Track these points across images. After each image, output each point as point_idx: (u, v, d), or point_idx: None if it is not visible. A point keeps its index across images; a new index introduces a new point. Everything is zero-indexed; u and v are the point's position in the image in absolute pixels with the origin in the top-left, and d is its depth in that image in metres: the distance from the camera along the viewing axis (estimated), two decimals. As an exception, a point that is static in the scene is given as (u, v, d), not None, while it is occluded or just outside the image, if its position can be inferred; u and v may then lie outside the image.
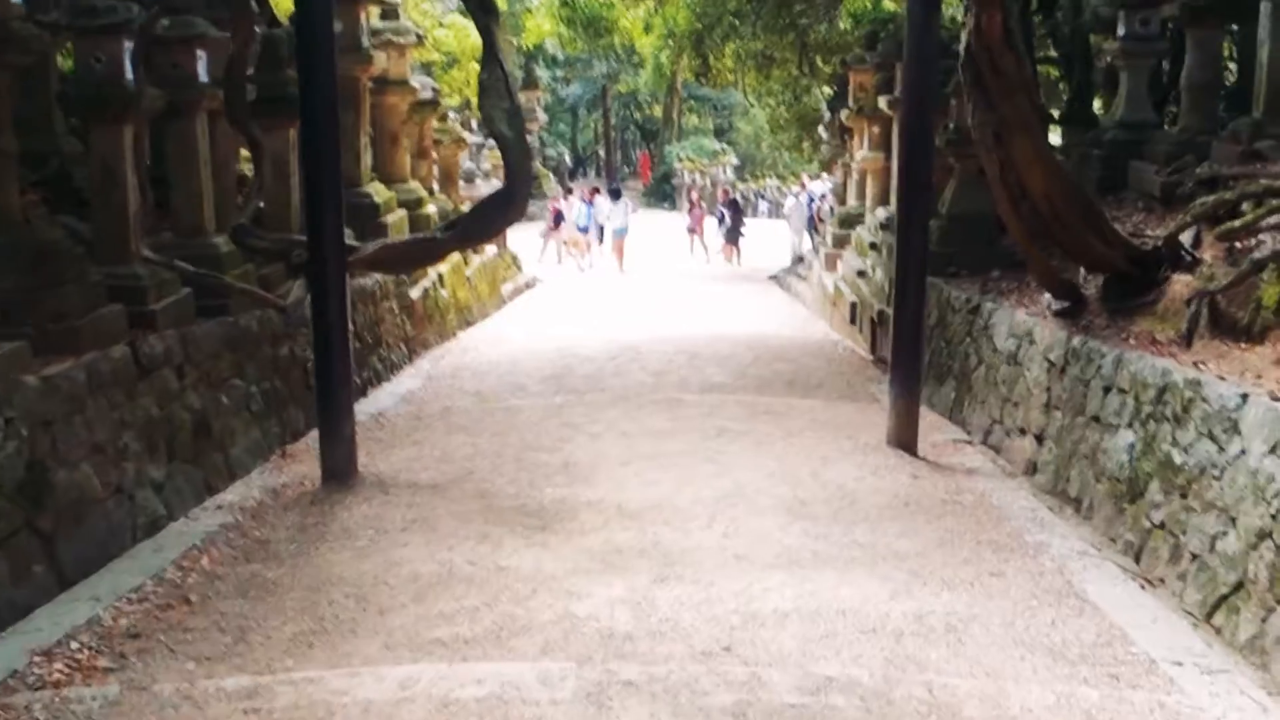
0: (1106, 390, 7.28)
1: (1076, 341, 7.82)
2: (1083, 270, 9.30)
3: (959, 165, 12.63)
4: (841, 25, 25.18)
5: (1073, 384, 7.76)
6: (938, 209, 12.92)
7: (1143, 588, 5.97)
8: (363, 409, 10.14)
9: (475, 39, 20.37)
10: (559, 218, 29.98)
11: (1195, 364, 6.69)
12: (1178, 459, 6.26)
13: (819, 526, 6.32)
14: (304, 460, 8.09)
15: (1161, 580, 6.10)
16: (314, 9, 6.71)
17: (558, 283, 25.31)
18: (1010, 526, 6.60)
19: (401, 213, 14.74)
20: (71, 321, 6.76)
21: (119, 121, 7.55)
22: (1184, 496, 6.15)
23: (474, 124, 37.83)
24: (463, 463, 7.58)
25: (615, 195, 29.23)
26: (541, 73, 48.17)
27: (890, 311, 13.87)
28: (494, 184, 23.10)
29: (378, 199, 13.95)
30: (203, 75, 8.96)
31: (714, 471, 7.33)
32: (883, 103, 16.38)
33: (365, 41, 13.89)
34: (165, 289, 7.77)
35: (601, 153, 61.48)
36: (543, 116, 47.48)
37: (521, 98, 27.96)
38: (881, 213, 16.50)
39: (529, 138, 34.26)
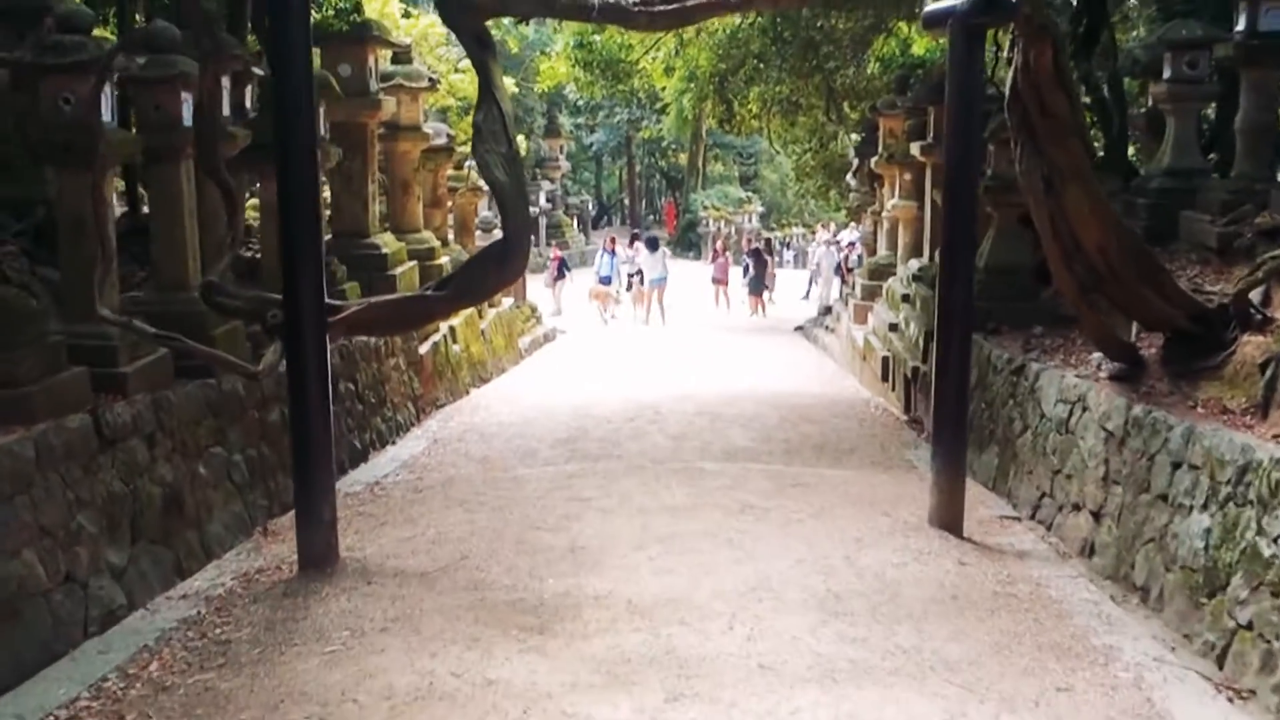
0: (1176, 466, 6.49)
1: (1138, 410, 7.04)
2: (1135, 327, 8.58)
3: (997, 215, 11.92)
4: (869, 70, 24.59)
5: (1135, 457, 6.98)
6: (977, 261, 12.21)
7: (1231, 701, 5.16)
8: (360, 477, 9.47)
9: (492, 85, 19.91)
10: (562, 267, 29.39)
11: (1277, 438, 5.92)
12: (1266, 550, 5.47)
13: (856, 628, 5.53)
14: (288, 537, 7.36)
15: (1252, 692, 5.29)
16: (289, 44, 6.07)
17: (578, 335, 24.65)
18: (1074, 625, 5.80)
19: (412, 264, 14.12)
20: (25, 387, 6.09)
21: (88, 168, 6.92)
22: (1276, 595, 5.35)
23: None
24: (457, 545, 6.83)
25: (653, 245, 28.56)
26: (564, 120, 47.86)
27: (925, 369, 13.18)
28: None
29: (386, 250, 13.34)
30: (187, 118, 8.38)
31: (737, 558, 6.57)
32: (915, 149, 15.71)
33: (374, 85, 13.32)
34: (139, 349, 7.10)
35: (626, 200, 61.03)
36: (566, 164, 47.22)
37: (545, 145, 27.54)
38: (914, 264, 15.78)
39: (549, 185, 34.02)
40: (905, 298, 15.20)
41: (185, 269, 8.39)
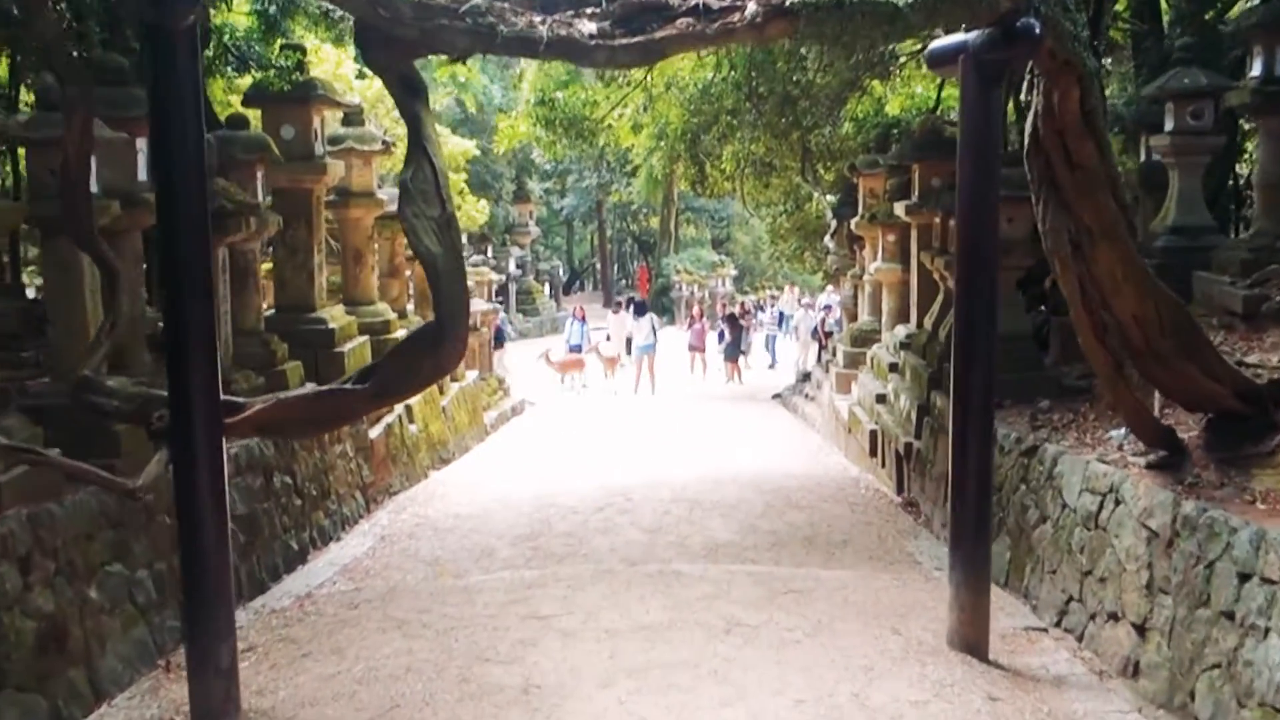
0: (1244, 578, 5.46)
1: (1189, 508, 6.01)
2: (1157, 400, 7.63)
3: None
4: (843, 130, 23.82)
5: (1188, 563, 5.95)
6: (995, 336, 11.26)
7: None
8: (291, 587, 8.35)
9: (453, 148, 18.94)
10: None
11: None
12: (1373, 690, 4.44)
13: (874, 799, 4.45)
14: (198, 670, 6.21)
15: None
16: (174, 95, 5.06)
17: (548, 407, 23.57)
18: (1137, 783, 4.74)
19: (363, 339, 13.08)
20: None
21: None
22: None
23: (465, 238, 36.52)
24: (389, 687, 5.71)
25: (640, 310, 27.60)
26: (533, 185, 47.12)
27: (919, 446, 12.19)
28: (477, 304, 21.47)
29: (334, 325, 12.31)
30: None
31: (724, 697, 5.47)
32: (899, 209, 14.81)
33: (320, 149, 12.34)
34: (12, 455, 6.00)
35: (599, 265, 60.21)
36: (535, 230, 46.38)
37: (514, 211, 26.58)
38: (901, 331, 14.83)
39: (519, 252, 33.19)
40: (893, 367, 14.23)
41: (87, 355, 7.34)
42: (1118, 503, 6.86)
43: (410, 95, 5.56)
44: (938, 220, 13.03)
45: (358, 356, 12.66)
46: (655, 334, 27.52)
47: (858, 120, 23.68)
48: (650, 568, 8.11)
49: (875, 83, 20.90)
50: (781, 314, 38.04)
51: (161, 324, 11.17)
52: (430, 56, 6.68)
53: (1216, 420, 6.84)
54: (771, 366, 32.53)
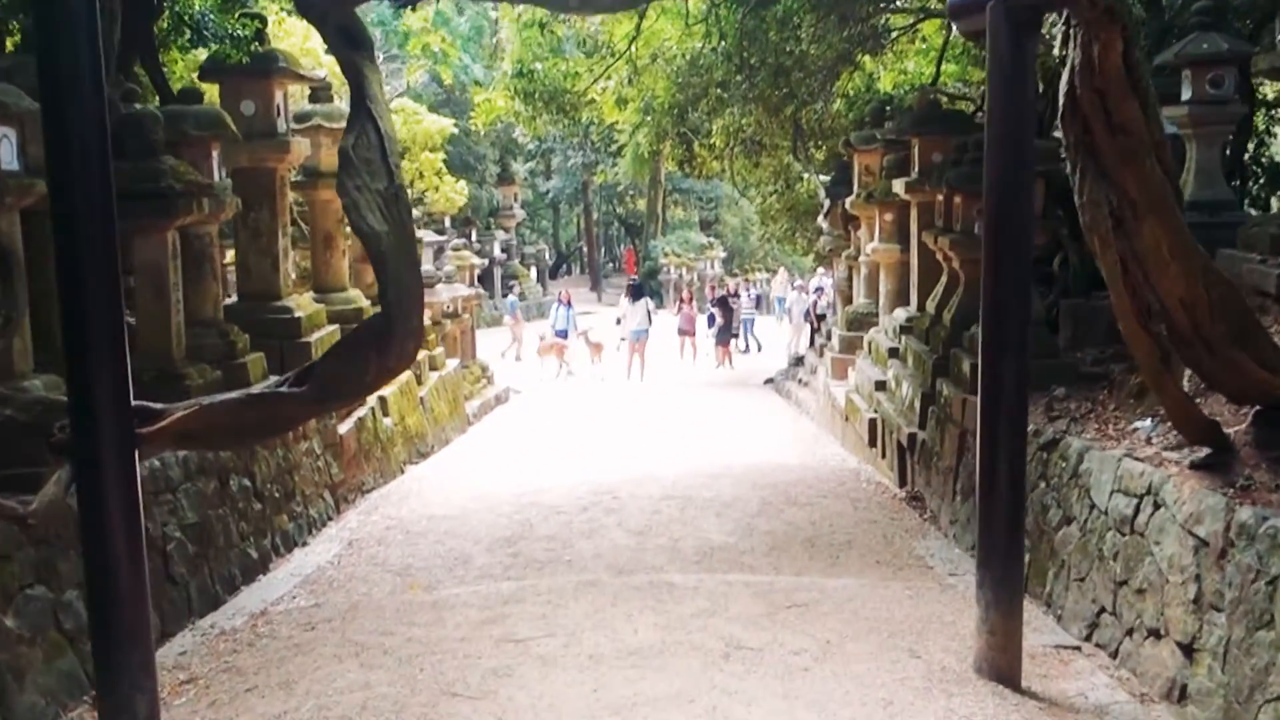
0: (1318, 599, 4.77)
1: (1246, 515, 5.31)
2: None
3: (1005, 257, 10.29)
4: (835, 107, 23.10)
5: (1245, 577, 5.25)
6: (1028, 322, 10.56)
7: None
8: (246, 602, 7.63)
9: (429, 125, 18.16)
10: (564, 333, 27.70)
11: None
12: None
13: None
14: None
15: None
16: (68, 57, 4.30)
17: (533, 395, 22.85)
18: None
19: (333, 328, 12.34)
20: None
21: None
22: None
23: (447, 222, 35.70)
24: (341, 728, 5.01)
25: (636, 294, 26.83)
26: (518, 167, 46.28)
27: (924, 437, 11.49)
28: (458, 289, 20.73)
29: (300, 313, 11.57)
30: (7, 160, 6.61)
31: (725, 741, 4.78)
32: (899, 186, 14.11)
33: (282, 125, 11.57)
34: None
35: (585, 249, 59.39)
36: (520, 212, 45.57)
37: (498, 194, 25.80)
38: (901, 314, 14.14)
39: (504, 235, 32.57)
40: (893, 352, 13.54)
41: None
42: (1157, 506, 6.16)
43: (351, 48, 4.82)
44: (940, 197, 12.32)
45: (326, 346, 11.91)
46: (650, 318, 26.83)
47: (849, 97, 22.98)
48: (639, 578, 7.40)
49: (867, 58, 20.21)
50: (760, 297, 37.24)
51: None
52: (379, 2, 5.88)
53: (1265, 414, 6.15)
54: (745, 351, 31.73)
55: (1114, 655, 6.34)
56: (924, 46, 24.21)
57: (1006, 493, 5.22)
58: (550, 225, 63.06)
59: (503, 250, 42.68)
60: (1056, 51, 5.39)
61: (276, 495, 9.43)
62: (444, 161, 30.22)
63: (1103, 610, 6.64)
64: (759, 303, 32.72)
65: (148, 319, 9.06)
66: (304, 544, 9.56)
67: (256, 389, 4.61)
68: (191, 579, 7.55)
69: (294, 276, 12.11)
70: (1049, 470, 7.88)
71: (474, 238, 39.51)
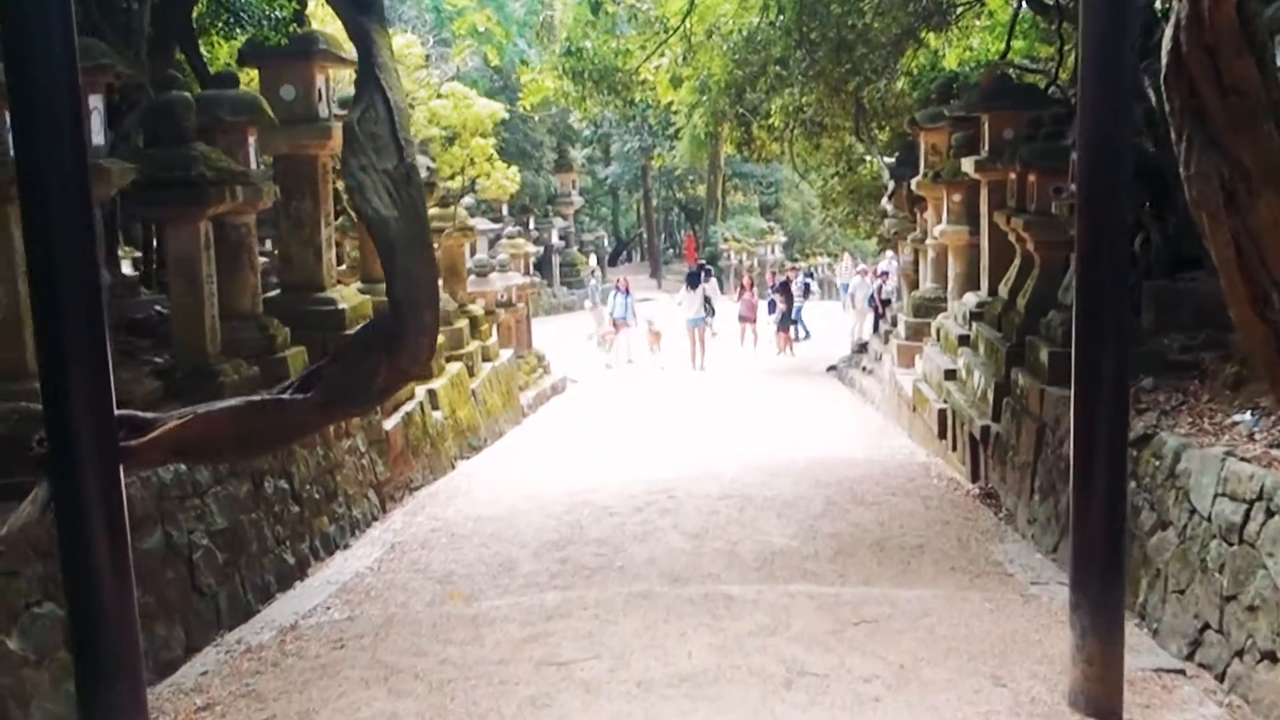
0: None
1: (1381, 527, 4.69)
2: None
3: (1085, 239, 9.64)
4: (898, 86, 22.38)
5: (1377, 597, 4.64)
6: (1060, 297, 9.91)
7: None
8: (276, 615, 7.21)
9: (479, 110, 17.70)
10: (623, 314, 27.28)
11: None
12: None
13: None
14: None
15: None
16: (36, 21, 3.82)
17: (591, 386, 22.39)
18: None
19: (377, 320, 11.92)
20: None
21: None
22: None
23: (504, 210, 35.30)
24: (360, 769, 4.54)
25: (694, 281, 26.28)
26: (575, 154, 45.83)
27: (999, 429, 10.85)
28: (512, 278, 20.29)
29: (344, 305, 11.16)
30: None
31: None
32: (968, 165, 13.43)
33: (324, 110, 11.14)
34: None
35: (645, 235, 58.83)
36: (579, 200, 45.11)
37: (555, 181, 25.32)
38: (971, 299, 13.48)
39: (562, 223, 32.51)
40: (963, 340, 12.88)
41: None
42: (1270, 513, 5.52)
43: (358, 10, 4.32)
44: (1013, 176, 11.64)
45: (372, 339, 11.52)
46: (711, 306, 26.29)
47: (913, 75, 22.27)
48: (694, 589, 6.87)
49: (931, 35, 19.48)
50: (807, 284, 36.35)
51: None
52: None
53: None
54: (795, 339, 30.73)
55: (1221, 679, 5.72)
56: (990, 22, 23.43)
57: (1105, 505, 4.62)
58: (610, 212, 62.60)
59: (561, 238, 42.28)
60: (1159, 3, 4.76)
61: (317, 496, 9.02)
62: (498, 148, 29.91)
63: (1207, 627, 6.02)
64: (806, 290, 31.45)
65: (181, 312, 8.69)
66: (346, 546, 9.15)
67: (258, 396, 4.13)
68: (221, 589, 7.14)
69: (343, 267, 11.69)
70: (1140, 469, 7.24)
71: (531, 225, 39.13)
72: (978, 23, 22.45)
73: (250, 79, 11.92)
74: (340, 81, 15.33)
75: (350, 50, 13.08)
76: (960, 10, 18.68)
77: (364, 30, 4.31)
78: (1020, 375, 10.01)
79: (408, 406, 11.78)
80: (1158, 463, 6.98)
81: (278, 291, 11.61)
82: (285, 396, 4.16)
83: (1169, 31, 4.71)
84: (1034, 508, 9.11)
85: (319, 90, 11.12)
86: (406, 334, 4.05)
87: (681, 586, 7.02)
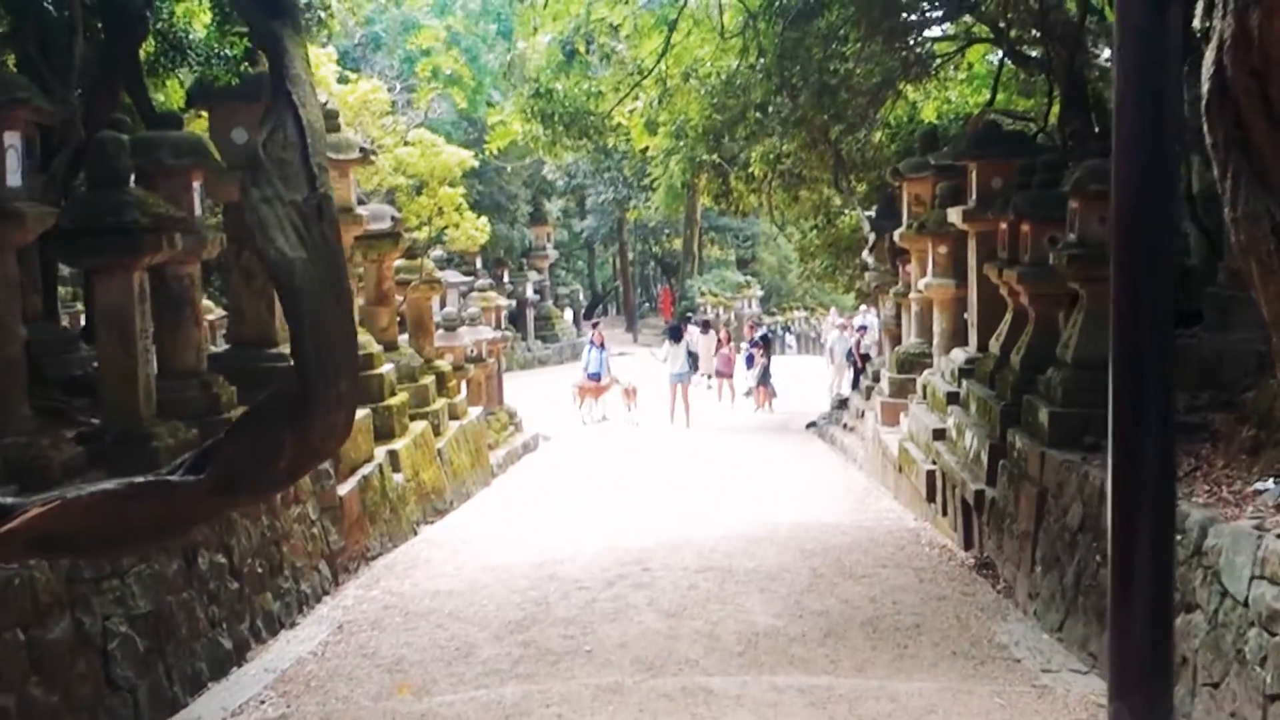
0: None
1: None
2: None
3: (1086, 292, 9.09)
4: (877, 138, 22.00)
5: None
6: (1058, 353, 9.32)
7: None
8: (205, 709, 6.46)
9: (447, 158, 17.12)
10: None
11: None
12: None
13: None
14: None
15: None
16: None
17: (564, 443, 21.69)
18: None
19: (335, 378, 11.21)
20: None
21: None
22: None
23: (478, 263, 34.69)
24: None
25: (675, 336, 25.62)
26: (551, 206, 45.37)
27: (995, 495, 10.20)
28: (482, 332, 19.62)
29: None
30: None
31: None
32: (954, 215, 12.90)
33: (279, 156, 10.48)
34: None
35: (621, 289, 58.31)
36: (553, 253, 44.56)
37: (530, 234, 24.72)
38: (960, 355, 12.89)
39: (537, 276, 32.18)
40: (953, 397, 12.27)
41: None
42: (1320, 601, 4.89)
43: (269, 13, 3.68)
44: (1004, 226, 11.11)
45: (327, 398, 10.83)
46: (692, 361, 25.70)
47: (891, 127, 21.95)
48: (669, 681, 6.16)
49: (909, 87, 19.12)
50: (767, 337, 35.85)
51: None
52: None
53: None
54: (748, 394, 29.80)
55: (1265, 789, 5.06)
56: (968, 75, 23.18)
57: (1150, 604, 3.94)
58: (585, 266, 62.11)
59: (535, 291, 41.68)
60: (1198, 24, 4.17)
61: (260, 571, 8.29)
62: (472, 200, 29.34)
63: (1245, 726, 5.36)
64: (766, 344, 30.14)
65: (111, 370, 7.99)
66: (292, 625, 8.41)
67: (140, 478, 3.45)
68: (141, 681, 6.38)
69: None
70: (1158, 543, 6.60)
71: (506, 279, 38.55)
72: (955, 75, 22.16)
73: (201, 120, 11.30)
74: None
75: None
76: (940, 61, 18.31)
77: (275, 37, 3.67)
78: (1017, 437, 9.40)
79: (365, 469, 11.07)
80: (1179, 537, 6.34)
81: (227, 347, 10.96)
82: (173, 479, 3.47)
83: (1210, 54, 4.12)
84: (1035, 581, 8.46)
85: (273, 134, 10.48)
86: (315, 404, 3.36)
87: (656, 677, 6.31)
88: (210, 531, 7.58)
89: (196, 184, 9.18)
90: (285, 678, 6.91)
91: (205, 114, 10.87)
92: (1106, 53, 18.06)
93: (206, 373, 9.26)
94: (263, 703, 6.44)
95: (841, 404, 23.04)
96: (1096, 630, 7.11)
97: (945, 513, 11.55)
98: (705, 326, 31.23)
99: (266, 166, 3.39)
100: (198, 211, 9.16)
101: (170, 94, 12.36)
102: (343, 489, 10.27)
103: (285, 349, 10.51)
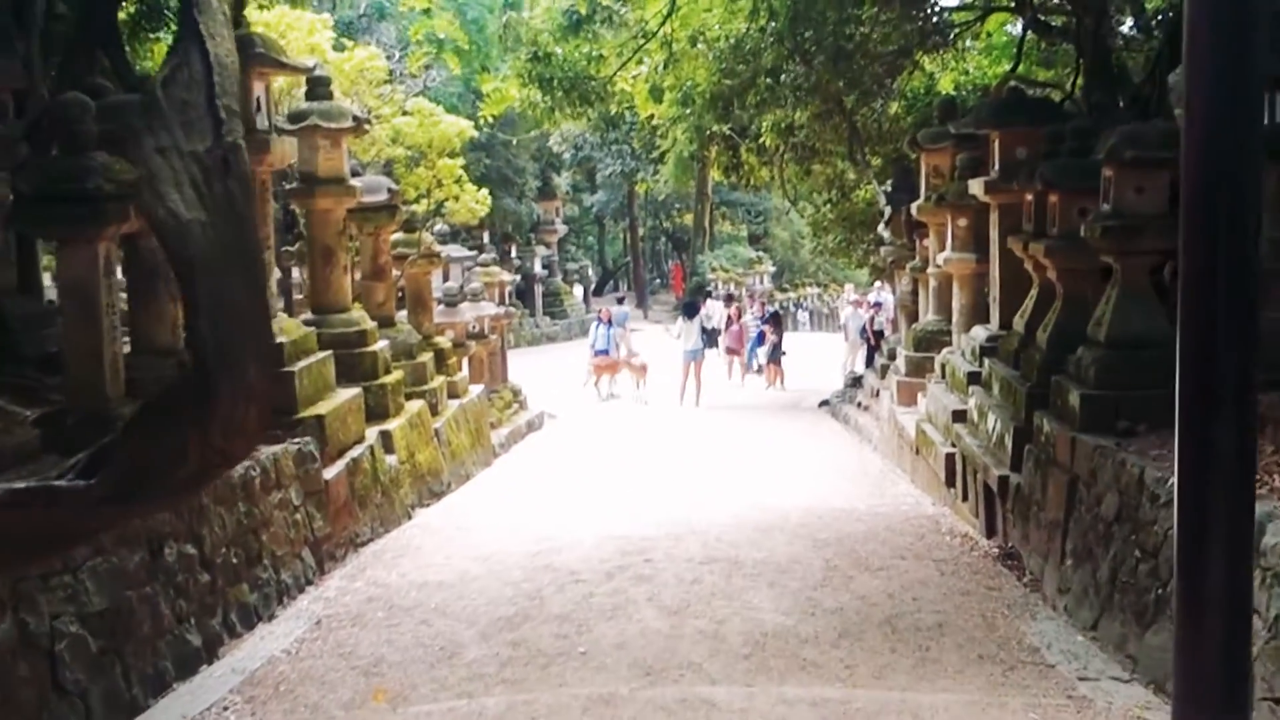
0: None
1: None
2: None
3: (1119, 265, 8.49)
4: (892, 110, 21.35)
5: None
6: (1090, 332, 8.72)
7: None
8: (164, 715, 5.93)
9: (446, 128, 16.51)
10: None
11: None
12: None
13: None
14: None
15: None
16: None
17: (570, 422, 21.18)
18: None
19: (325, 355, 10.71)
20: None
21: None
22: None
23: (486, 237, 34.13)
24: None
25: (689, 312, 24.98)
26: (559, 181, 44.77)
27: (1021, 482, 9.61)
28: (484, 308, 19.06)
29: (283, 338, 9.91)
30: None
31: None
32: (976, 186, 12.27)
33: (262, 121, 9.92)
34: None
35: (632, 264, 57.71)
36: (562, 228, 43.98)
37: (539, 209, 24.08)
38: (981, 333, 12.29)
39: (545, 251, 32.01)
40: (974, 377, 11.67)
41: None
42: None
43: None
44: (1029, 197, 10.48)
45: (314, 377, 10.30)
46: (708, 337, 25.12)
47: (908, 99, 21.34)
48: (669, 690, 5.59)
49: (926, 58, 18.50)
50: (775, 314, 35.42)
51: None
52: None
53: None
54: (754, 371, 29.18)
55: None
56: (986, 44, 22.53)
57: (1224, 622, 3.37)
58: (596, 241, 61.51)
59: (544, 266, 41.14)
60: None
61: (235, 561, 7.74)
62: (480, 175, 28.73)
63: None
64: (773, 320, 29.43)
65: (74, 348, 7.47)
66: (270, 618, 7.88)
67: (20, 484, 2.90)
68: (93, 685, 5.85)
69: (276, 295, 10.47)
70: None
71: (514, 254, 38.01)
72: (973, 45, 21.52)
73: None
74: (288, 93, 14.18)
75: (296, 56, 11.97)
76: (958, 30, 17.65)
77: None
78: (1045, 420, 8.81)
79: (355, 451, 10.53)
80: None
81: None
82: (59, 485, 2.91)
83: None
84: (1065, 574, 7.88)
85: (257, 99, 9.90)
86: (220, 396, 2.79)
87: (655, 685, 5.75)
88: (179, 521, 7.05)
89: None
90: (253, 679, 6.37)
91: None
92: (1130, 21, 17.46)
93: (183, 350, 8.71)
94: (225, 709, 5.91)
95: (855, 382, 22.45)
96: (1135, 631, 6.55)
97: (965, 498, 10.98)
98: (729, 300, 30.71)
99: (164, 110, 2.82)
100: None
101: (156, 59, 11.81)
102: (329, 472, 9.73)
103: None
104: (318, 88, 12.24)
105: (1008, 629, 6.90)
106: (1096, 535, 7.48)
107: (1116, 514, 7.19)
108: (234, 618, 7.58)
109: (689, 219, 52.27)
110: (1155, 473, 6.74)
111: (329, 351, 10.89)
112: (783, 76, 15.09)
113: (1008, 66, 19.98)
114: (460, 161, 17.32)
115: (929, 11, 16.34)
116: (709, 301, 29.32)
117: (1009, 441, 9.69)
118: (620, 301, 34.59)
